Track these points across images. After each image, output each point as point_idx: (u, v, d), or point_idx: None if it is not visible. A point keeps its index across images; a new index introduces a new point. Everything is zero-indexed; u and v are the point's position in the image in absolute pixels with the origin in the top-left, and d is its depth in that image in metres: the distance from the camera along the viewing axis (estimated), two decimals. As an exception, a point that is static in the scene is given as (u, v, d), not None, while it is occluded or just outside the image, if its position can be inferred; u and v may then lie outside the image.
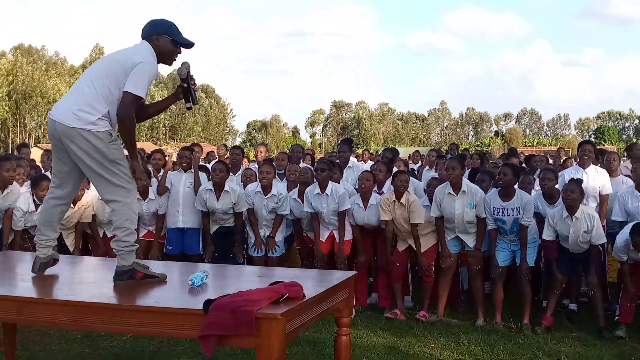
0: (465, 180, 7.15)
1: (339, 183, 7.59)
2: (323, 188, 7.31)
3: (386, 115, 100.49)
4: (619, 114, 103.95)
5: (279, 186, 7.76)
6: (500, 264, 7.02)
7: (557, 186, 7.38)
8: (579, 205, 6.60)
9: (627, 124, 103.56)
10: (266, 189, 7.60)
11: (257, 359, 3.40)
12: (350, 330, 4.48)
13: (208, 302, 3.45)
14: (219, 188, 7.57)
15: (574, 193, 6.56)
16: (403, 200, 7.06)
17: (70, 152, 4.15)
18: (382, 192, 7.69)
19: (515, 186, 7.10)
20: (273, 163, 8.31)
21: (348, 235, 7.43)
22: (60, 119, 4.09)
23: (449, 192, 7.05)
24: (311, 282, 4.24)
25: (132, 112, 4.07)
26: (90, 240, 8.03)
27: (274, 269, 5.88)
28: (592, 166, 7.66)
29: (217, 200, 7.58)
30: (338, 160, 8.40)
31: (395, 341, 6.36)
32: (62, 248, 7.59)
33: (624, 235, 6.48)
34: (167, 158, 8.42)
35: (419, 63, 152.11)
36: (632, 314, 6.67)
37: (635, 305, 6.72)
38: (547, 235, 6.81)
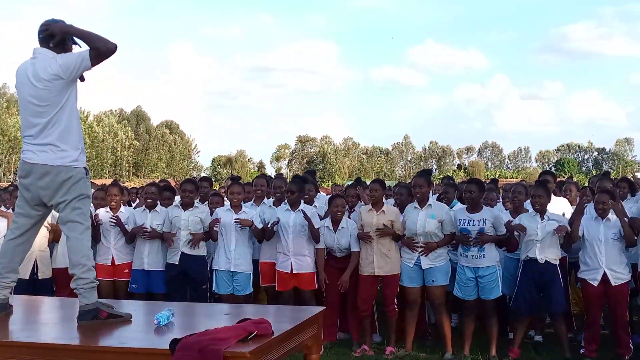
0: (432, 197, 7.30)
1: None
2: (294, 207, 7.42)
3: (351, 149, 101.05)
4: (578, 147, 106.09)
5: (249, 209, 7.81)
6: (464, 298, 7.07)
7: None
8: (546, 208, 6.86)
9: (586, 156, 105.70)
10: (236, 208, 7.61)
11: (226, 398, 3.35)
12: (319, 366, 4.46)
13: (175, 342, 3.41)
14: (187, 206, 7.57)
15: (542, 198, 6.82)
16: (384, 208, 7.27)
17: (44, 190, 4.18)
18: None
19: None
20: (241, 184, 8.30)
21: (312, 267, 7.44)
22: (42, 160, 4.14)
23: (415, 207, 7.19)
24: (279, 319, 4.22)
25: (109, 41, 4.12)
26: (57, 278, 7.85)
27: (242, 306, 5.83)
28: (552, 196, 7.78)
29: (184, 212, 7.54)
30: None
31: (364, 377, 6.34)
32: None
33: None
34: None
35: (383, 98, 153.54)
36: (596, 350, 6.77)
37: (599, 341, 6.81)
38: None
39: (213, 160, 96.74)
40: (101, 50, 4.10)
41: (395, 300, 7.34)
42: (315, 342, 4.38)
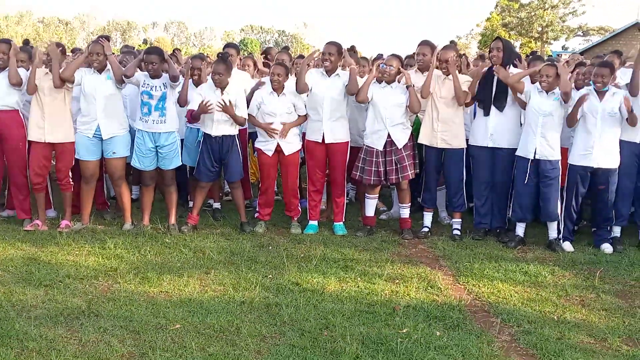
0: None
1: None
2: None
3: (25, 17, 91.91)
4: (261, 28, 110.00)
5: None
6: (143, 169, 6.98)
7: None
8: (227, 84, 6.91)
9: (268, 37, 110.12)
10: None
11: None
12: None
13: None
14: None
15: (222, 76, 6.78)
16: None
17: None
18: None
19: None
20: None
21: None
22: None
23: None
24: None
25: None
26: None
27: None
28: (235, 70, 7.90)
29: None
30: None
31: (36, 252, 6.03)
32: None
33: None
34: None
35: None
36: (269, 214, 7.24)
37: (272, 205, 7.28)
38: None
39: None
40: None
41: (71, 173, 7.00)
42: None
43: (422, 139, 7.05)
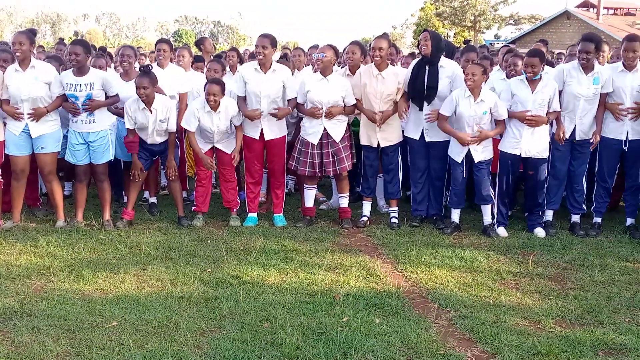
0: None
1: None
2: None
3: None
4: (196, 19, 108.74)
5: None
6: (77, 163, 6.81)
7: None
8: None
9: (203, 28, 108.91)
10: None
11: None
12: None
13: None
14: None
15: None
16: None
17: None
18: None
19: None
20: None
21: None
22: None
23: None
24: None
25: None
26: None
27: None
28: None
29: None
30: None
31: (-35, 252, 5.81)
32: None
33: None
34: None
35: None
36: (206, 204, 7.15)
37: (209, 196, 7.20)
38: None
39: None
40: None
41: (0, 169, 6.76)
42: None
43: (364, 140, 7.06)
